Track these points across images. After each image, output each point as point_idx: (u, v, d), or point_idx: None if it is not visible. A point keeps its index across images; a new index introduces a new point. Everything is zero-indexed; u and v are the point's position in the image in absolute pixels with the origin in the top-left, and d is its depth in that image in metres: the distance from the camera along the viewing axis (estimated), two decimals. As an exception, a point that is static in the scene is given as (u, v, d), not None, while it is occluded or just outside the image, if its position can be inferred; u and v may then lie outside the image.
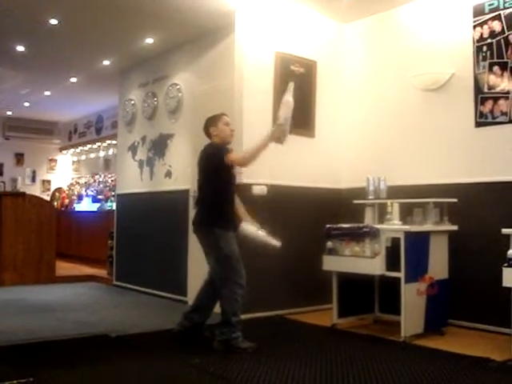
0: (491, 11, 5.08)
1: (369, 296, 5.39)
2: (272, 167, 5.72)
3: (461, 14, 5.34)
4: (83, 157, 13.24)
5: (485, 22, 5.12)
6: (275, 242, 4.47)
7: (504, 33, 4.97)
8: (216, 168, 4.31)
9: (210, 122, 4.57)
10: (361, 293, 5.28)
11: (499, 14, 5.01)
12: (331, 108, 6.36)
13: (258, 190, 5.63)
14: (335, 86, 6.42)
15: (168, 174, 7.02)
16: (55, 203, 12.50)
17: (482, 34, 5.14)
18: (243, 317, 5.38)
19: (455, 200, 5.02)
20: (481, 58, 5.14)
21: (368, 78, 6.22)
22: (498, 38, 5.02)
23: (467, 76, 5.23)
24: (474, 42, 5.20)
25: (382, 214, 5.09)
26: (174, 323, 4.49)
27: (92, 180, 12.48)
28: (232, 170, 4.40)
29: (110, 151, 11.73)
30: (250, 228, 4.49)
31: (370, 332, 4.93)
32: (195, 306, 4.51)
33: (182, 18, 6.01)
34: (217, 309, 4.50)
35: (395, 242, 4.60)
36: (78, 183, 13.10)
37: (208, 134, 4.57)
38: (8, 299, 6.75)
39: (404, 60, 5.82)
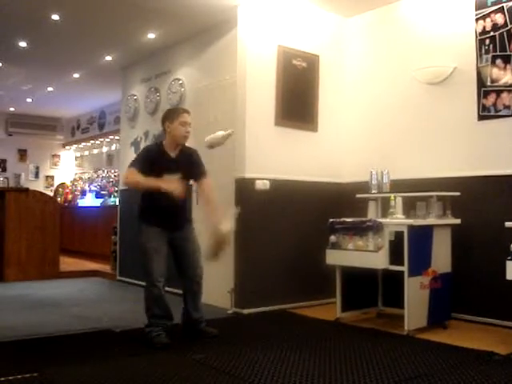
0: (494, 4, 5.06)
1: (372, 290, 5.39)
2: (275, 162, 5.72)
3: (463, 7, 5.32)
4: (86, 152, 13.26)
5: (487, 15, 5.10)
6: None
7: (507, 26, 4.95)
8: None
9: (167, 117, 4.43)
10: (364, 287, 5.29)
11: (502, 7, 4.99)
12: (334, 102, 6.36)
13: (261, 184, 5.63)
14: (338, 80, 6.41)
15: (171, 169, 7.01)
16: (58, 199, 12.52)
17: (484, 27, 5.12)
18: (247, 311, 5.44)
19: (458, 193, 5.02)
20: (483, 51, 5.12)
21: (370, 72, 6.21)
22: (500, 31, 5.00)
23: (470, 69, 5.21)
24: (476, 35, 5.18)
25: (385, 207, 5.09)
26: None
27: (95, 175, 12.49)
28: (162, 172, 4.26)
29: (113, 147, 11.75)
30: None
31: (374, 326, 4.93)
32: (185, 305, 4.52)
33: (184, 12, 6.01)
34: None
35: (398, 235, 4.60)
36: (82, 179, 13.12)
37: (164, 129, 4.45)
38: (12, 295, 6.77)
39: (406, 54, 5.80)
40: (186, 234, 4.44)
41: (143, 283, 4.43)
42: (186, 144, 4.48)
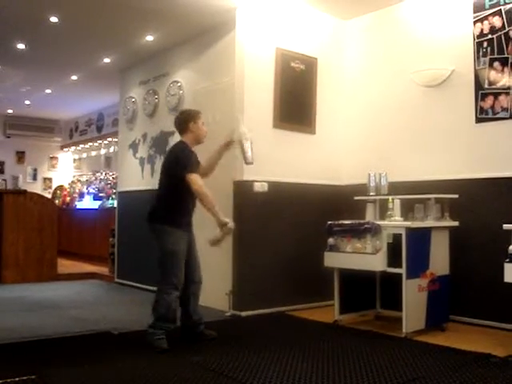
0: (491, 7, 5.07)
1: (370, 292, 5.39)
2: (273, 164, 5.73)
3: (461, 9, 5.33)
4: (84, 155, 13.26)
5: (485, 18, 5.11)
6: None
7: (504, 28, 4.97)
8: (175, 175, 4.27)
9: (191, 117, 4.48)
10: (362, 289, 5.29)
11: (500, 10, 5.00)
12: (332, 105, 6.36)
13: (259, 186, 5.63)
14: (336, 83, 6.42)
15: (169, 172, 7.01)
16: (56, 201, 12.50)
17: (482, 30, 5.14)
18: (245, 313, 5.44)
19: (456, 196, 5.03)
20: (481, 53, 5.13)
21: (368, 75, 6.22)
22: (498, 34, 5.01)
23: (468, 72, 5.22)
24: (474, 38, 5.19)
25: (383, 210, 5.09)
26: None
27: (93, 178, 12.48)
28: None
29: (111, 149, 11.74)
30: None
31: (372, 328, 4.93)
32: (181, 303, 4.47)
33: (182, 15, 6.01)
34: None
35: (396, 238, 4.61)
36: (80, 181, 13.10)
37: (184, 129, 4.46)
38: (10, 297, 6.76)
39: (404, 56, 5.81)
40: (192, 236, 4.48)
41: (155, 285, 4.39)
42: None
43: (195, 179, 4.20)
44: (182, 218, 4.34)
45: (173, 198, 4.33)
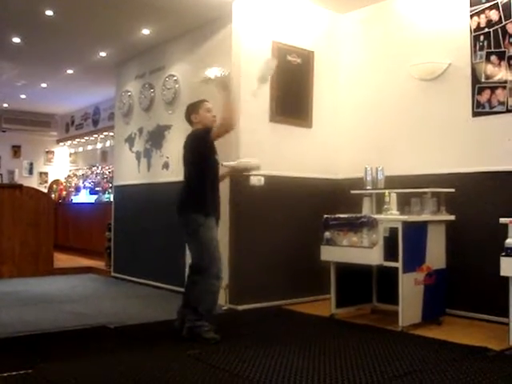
0: (488, 0, 5.06)
1: (367, 286, 5.40)
2: (269, 158, 5.71)
3: (458, 3, 5.32)
4: (80, 149, 13.25)
5: (482, 12, 5.10)
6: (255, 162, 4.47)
7: (501, 22, 4.96)
8: (200, 153, 4.29)
9: (191, 110, 4.55)
10: (359, 283, 5.30)
11: (496, 3, 4.99)
12: (328, 98, 6.35)
13: (256, 180, 5.62)
14: (332, 77, 6.41)
15: (165, 166, 7.02)
16: (53, 195, 12.49)
17: (479, 24, 5.13)
18: (241, 307, 5.44)
19: (453, 190, 5.03)
20: (478, 47, 5.13)
21: (365, 69, 6.21)
22: (495, 28, 5.00)
23: (464, 66, 5.22)
24: (471, 32, 5.19)
25: (380, 204, 5.10)
26: (172, 314, 4.50)
27: (89, 172, 12.46)
28: (215, 155, 4.37)
29: (108, 143, 11.73)
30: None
31: (368, 322, 4.95)
32: (185, 301, 4.40)
33: (178, 8, 5.99)
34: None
35: (393, 231, 4.61)
36: (76, 175, 13.08)
37: (190, 122, 4.54)
38: (6, 291, 6.75)
39: (401, 50, 5.80)
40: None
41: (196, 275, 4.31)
42: None
43: (215, 129, 4.27)
44: (212, 205, 4.33)
45: (200, 186, 4.31)
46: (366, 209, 5.24)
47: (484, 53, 5.08)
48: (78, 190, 12.49)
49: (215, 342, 4.08)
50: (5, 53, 7.82)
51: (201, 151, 4.30)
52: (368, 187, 5.35)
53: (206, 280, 4.20)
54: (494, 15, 5.01)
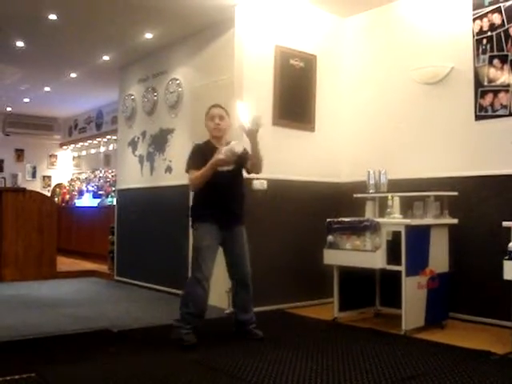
0: (491, 4, 5.06)
1: (370, 290, 5.39)
2: (272, 161, 5.69)
3: (460, 6, 5.32)
4: (84, 152, 13.25)
5: (484, 15, 5.11)
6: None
7: (504, 25, 4.96)
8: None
9: (205, 116, 4.58)
10: (362, 286, 5.29)
11: (499, 7, 5.00)
12: (331, 102, 6.36)
13: (258, 184, 5.62)
14: (335, 80, 6.42)
15: (168, 169, 7.02)
16: (56, 199, 12.51)
17: (481, 27, 5.13)
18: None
19: (455, 193, 5.03)
20: (481, 51, 5.13)
21: (368, 72, 6.22)
22: (497, 31, 5.01)
23: (467, 69, 5.22)
24: (473, 35, 5.19)
25: (383, 207, 5.09)
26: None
27: (92, 175, 12.48)
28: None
29: (111, 146, 11.73)
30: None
31: (371, 325, 4.94)
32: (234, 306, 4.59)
33: (181, 12, 6.00)
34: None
35: (396, 235, 4.61)
36: (79, 179, 13.10)
37: None
38: (9, 295, 6.76)
39: (404, 53, 5.81)
40: (237, 234, 4.42)
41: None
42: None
43: (189, 176, 4.32)
44: (206, 210, 4.31)
45: (195, 194, 4.45)
46: (369, 212, 5.25)
47: (487, 56, 5.08)
48: (81, 193, 12.51)
49: (190, 345, 4.08)
50: (8, 57, 7.83)
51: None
52: (371, 191, 5.35)
53: (191, 282, 4.27)
54: (496, 19, 5.02)
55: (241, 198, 4.49)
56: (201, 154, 4.35)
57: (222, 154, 4.12)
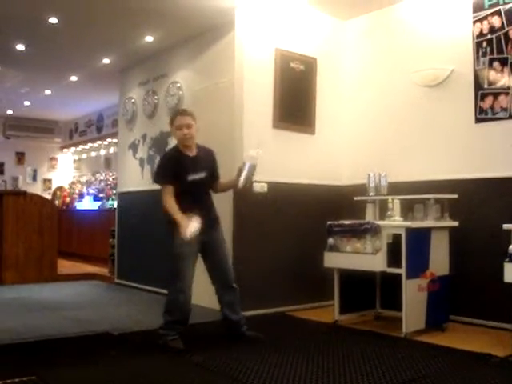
0: (491, 6, 5.07)
1: (370, 292, 5.39)
2: (272, 164, 5.72)
3: (460, 9, 5.33)
4: (84, 155, 13.26)
5: (484, 18, 5.11)
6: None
7: (504, 28, 4.97)
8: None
9: (170, 121, 4.45)
10: (362, 289, 5.29)
11: (499, 10, 5.00)
12: (331, 105, 6.36)
13: (259, 187, 5.63)
14: (335, 83, 6.42)
15: (169, 172, 7.02)
16: (56, 202, 12.51)
17: (481, 30, 5.14)
18: (245, 314, 5.41)
19: (456, 196, 5.03)
20: (481, 53, 5.13)
21: (368, 75, 6.22)
22: (497, 34, 5.01)
23: (467, 72, 5.23)
24: (473, 38, 5.20)
25: (383, 210, 5.09)
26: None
27: (93, 178, 12.49)
28: (184, 173, 4.27)
29: (111, 149, 11.74)
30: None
31: (372, 328, 4.94)
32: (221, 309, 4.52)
33: (181, 15, 6.01)
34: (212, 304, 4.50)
35: (396, 238, 4.61)
36: (79, 182, 13.11)
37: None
38: (10, 298, 6.76)
39: (404, 56, 5.82)
40: (216, 235, 4.42)
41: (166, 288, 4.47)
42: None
43: (163, 198, 4.27)
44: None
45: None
46: (370, 215, 5.25)
47: (487, 59, 5.09)
48: (81, 196, 12.52)
49: (177, 351, 4.08)
50: (9, 60, 7.84)
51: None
52: (371, 193, 5.34)
53: (173, 290, 4.29)
54: (496, 21, 5.02)
55: (212, 203, 4.49)
56: (171, 165, 4.30)
57: (189, 228, 4.04)
